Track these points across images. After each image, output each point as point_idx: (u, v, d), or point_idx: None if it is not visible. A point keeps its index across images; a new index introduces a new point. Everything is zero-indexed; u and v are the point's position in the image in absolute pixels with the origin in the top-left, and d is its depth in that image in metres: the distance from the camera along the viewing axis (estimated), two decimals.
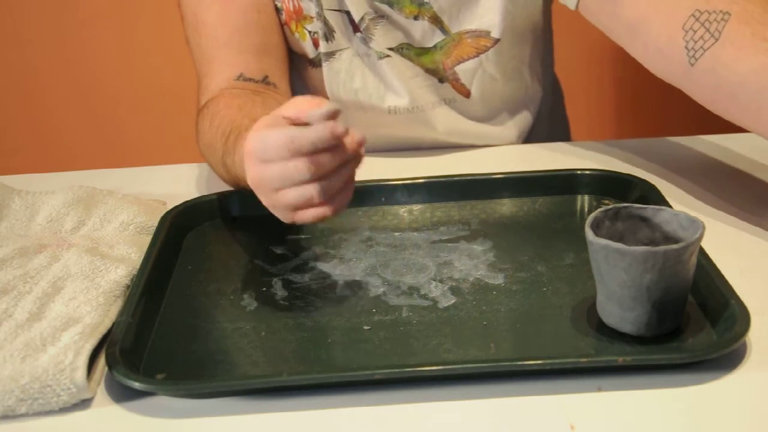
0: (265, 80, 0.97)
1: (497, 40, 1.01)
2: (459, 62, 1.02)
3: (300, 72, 1.07)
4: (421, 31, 1.00)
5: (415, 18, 0.99)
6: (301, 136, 0.66)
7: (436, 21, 0.99)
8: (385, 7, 0.98)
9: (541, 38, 1.09)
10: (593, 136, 1.40)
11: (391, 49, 1.00)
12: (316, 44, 1.01)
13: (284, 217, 0.73)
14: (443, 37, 1.00)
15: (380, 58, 1.00)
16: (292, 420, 0.63)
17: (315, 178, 0.68)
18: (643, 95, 1.81)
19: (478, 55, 1.02)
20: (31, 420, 0.64)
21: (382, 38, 1.00)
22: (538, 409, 0.63)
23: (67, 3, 1.79)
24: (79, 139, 1.93)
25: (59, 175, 1.06)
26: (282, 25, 1.02)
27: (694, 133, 1.07)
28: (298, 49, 1.03)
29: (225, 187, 0.94)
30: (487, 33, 1.00)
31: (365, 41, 0.99)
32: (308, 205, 0.69)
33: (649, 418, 0.61)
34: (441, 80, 1.04)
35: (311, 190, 0.68)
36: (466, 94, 1.05)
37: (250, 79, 0.96)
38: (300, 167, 0.67)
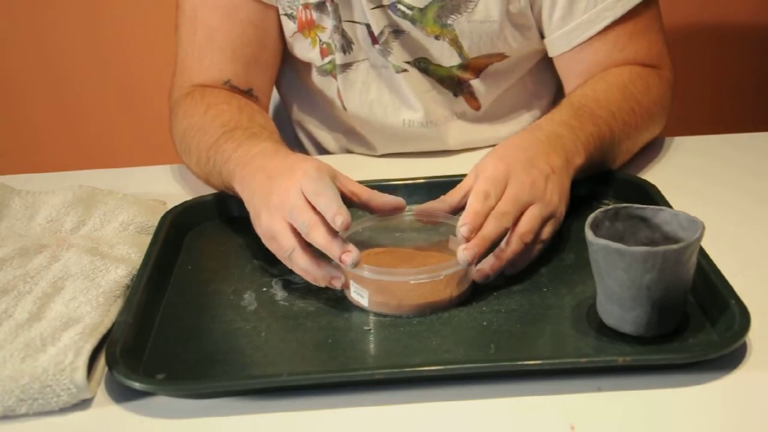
0: (249, 92, 1.01)
1: (509, 57, 1.02)
2: (475, 77, 1.03)
3: (303, 77, 1.07)
4: (440, 50, 1.00)
5: (436, 38, 0.99)
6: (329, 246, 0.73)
7: (456, 44, 0.99)
8: (407, 24, 0.98)
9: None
10: None
11: (408, 62, 1.01)
12: (323, 54, 1.02)
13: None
14: (460, 61, 1.01)
15: (397, 72, 1.01)
16: (292, 420, 0.63)
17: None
18: None
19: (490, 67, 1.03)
20: (31, 420, 0.64)
21: (400, 52, 1.00)
22: (538, 409, 0.63)
23: None
24: (79, 138, 1.93)
25: (59, 174, 1.06)
26: (284, 40, 1.03)
27: (694, 133, 1.07)
28: (305, 57, 1.03)
29: None
30: (502, 55, 1.01)
31: (383, 54, 1.00)
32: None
33: (649, 418, 0.61)
34: (455, 94, 1.05)
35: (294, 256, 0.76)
36: (477, 107, 1.05)
37: (235, 87, 1.01)
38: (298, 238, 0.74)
